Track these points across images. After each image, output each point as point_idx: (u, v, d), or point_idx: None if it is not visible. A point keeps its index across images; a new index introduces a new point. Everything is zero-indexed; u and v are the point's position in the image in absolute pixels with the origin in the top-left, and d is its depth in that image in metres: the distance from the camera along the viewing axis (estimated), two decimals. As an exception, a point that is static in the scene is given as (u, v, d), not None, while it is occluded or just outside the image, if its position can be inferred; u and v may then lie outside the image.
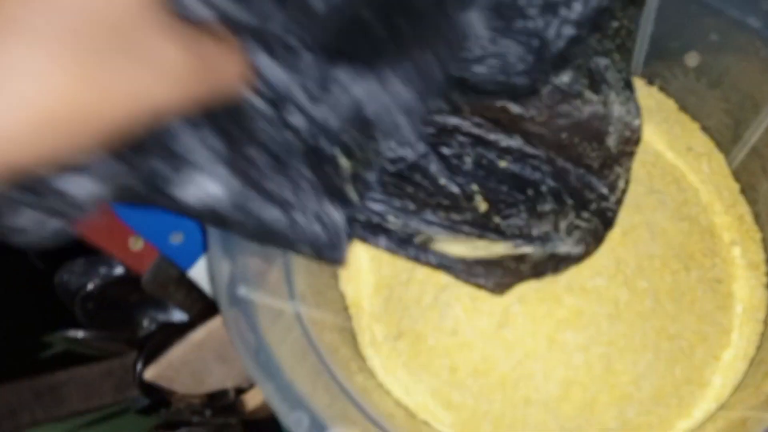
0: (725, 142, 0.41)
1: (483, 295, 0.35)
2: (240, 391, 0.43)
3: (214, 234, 0.30)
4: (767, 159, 0.38)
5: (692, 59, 0.40)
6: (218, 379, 0.40)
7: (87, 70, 0.15)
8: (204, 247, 0.32)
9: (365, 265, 0.40)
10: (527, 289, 0.34)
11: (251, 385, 0.44)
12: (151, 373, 0.34)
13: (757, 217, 0.39)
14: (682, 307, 0.36)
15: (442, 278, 0.37)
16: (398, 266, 0.39)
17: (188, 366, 0.36)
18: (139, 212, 0.36)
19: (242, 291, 0.30)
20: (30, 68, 0.14)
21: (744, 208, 0.40)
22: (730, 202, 0.40)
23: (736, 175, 0.40)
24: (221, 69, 0.19)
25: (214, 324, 0.35)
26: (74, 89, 0.15)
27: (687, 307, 0.36)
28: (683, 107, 0.42)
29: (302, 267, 0.37)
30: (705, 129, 0.41)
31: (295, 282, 0.35)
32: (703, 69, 0.39)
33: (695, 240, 0.37)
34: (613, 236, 0.36)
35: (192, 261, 0.39)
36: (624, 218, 0.36)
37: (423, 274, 0.37)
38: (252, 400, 0.43)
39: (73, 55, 0.15)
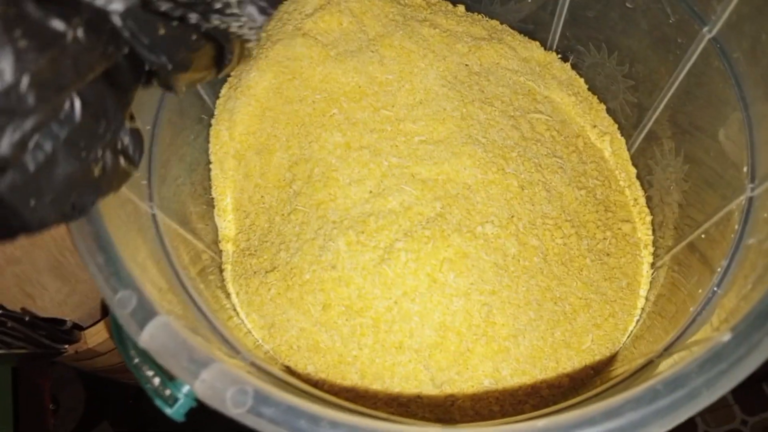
0: (628, 127, 0.41)
1: (370, 230, 0.32)
2: (80, 328, 0.38)
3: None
4: (664, 144, 0.38)
5: (615, 31, 0.39)
6: (54, 301, 0.34)
7: None
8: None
9: (247, 195, 0.36)
10: (415, 225, 0.32)
11: (93, 324, 0.38)
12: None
13: (649, 201, 0.39)
14: (570, 271, 0.34)
15: (330, 211, 0.34)
16: (282, 196, 0.35)
17: (13, 267, 0.30)
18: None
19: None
20: None
21: (638, 192, 0.40)
22: (626, 183, 0.40)
23: (635, 160, 0.41)
24: None
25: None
26: None
27: (575, 272, 0.34)
28: (592, 87, 0.42)
29: (172, 187, 0.33)
30: (610, 111, 0.42)
31: (156, 192, 0.30)
32: (617, 42, 0.39)
33: (590, 210, 0.37)
34: (511, 189, 0.34)
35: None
36: (523, 174, 0.35)
37: (308, 205, 0.34)
38: (92, 337, 0.37)
39: None
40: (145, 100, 0.32)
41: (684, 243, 0.35)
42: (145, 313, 0.22)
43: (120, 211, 0.26)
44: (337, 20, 0.36)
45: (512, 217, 0.34)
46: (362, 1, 0.37)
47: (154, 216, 0.29)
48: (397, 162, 0.34)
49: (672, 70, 0.35)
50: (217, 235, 0.36)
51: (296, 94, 0.35)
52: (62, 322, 0.36)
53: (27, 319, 0.30)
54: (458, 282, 0.31)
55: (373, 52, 0.36)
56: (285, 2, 0.38)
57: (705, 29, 0.32)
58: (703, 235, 0.33)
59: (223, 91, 0.37)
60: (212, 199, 0.37)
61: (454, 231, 0.32)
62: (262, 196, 0.36)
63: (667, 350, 0.26)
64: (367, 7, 0.37)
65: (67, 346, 0.34)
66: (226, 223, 0.36)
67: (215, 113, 0.37)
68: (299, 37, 0.35)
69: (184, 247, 0.32)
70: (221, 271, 0.35)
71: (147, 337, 0.21)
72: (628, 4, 0.36)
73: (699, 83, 0.33)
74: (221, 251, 0.36)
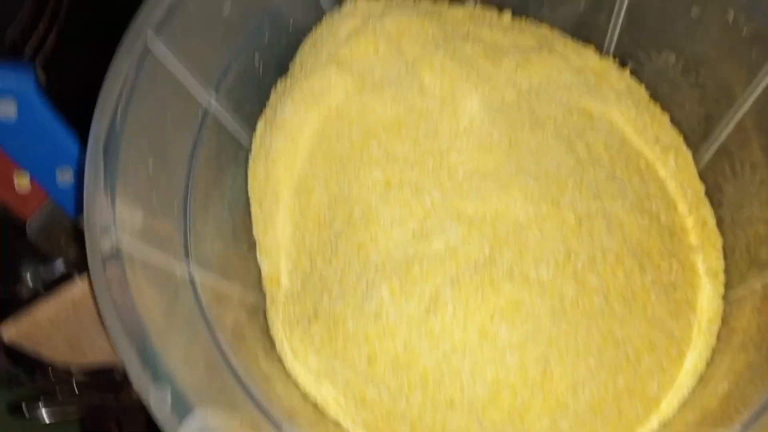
0: (695, 138, 0.37)
1: (414, 276, 0.31)
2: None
3: (92, 165, 0.25)
4: (736, 159, 0.35)
5: (678, 41, 0.36)
6: (102, 352, 0.34)
7: None
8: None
9: (288, 235, 0.35)
10: (463, 272, 0.30)
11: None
12: (11, 332, 0.29)
13: (720, 222, 0.36)
14: (633, 310, 0.32)
15: (371, 254, 0.32)
16: (323, 237, 0.34)
17: (61, 329, 0.30)
18: (22, 138, 0.30)
19: (117, 236, 0.24)
20: None
21: (707, 211, 0.36)
22: (694, 203, 0.36)
23: (703, 175, 0.37)
24: None
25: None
26: None
27: (638, 310, 0.32)
28: (654, 95, 0.38)
29: (211, 232, 0.32)
30: (675, 122, 0.38)
31: (194, 244, 0.30)
32: (681, 51, 0.35)
33: (654, 239, 0.34)
34: (568, 222, 0.32)
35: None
36: (580, 204, 0.32)
37: (349, 247, 0.32)
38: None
39: None
40: (178, 144, 0.31)
41: (762, 276, 0.32)
42: (182, 408, 0.21)
43: (157, 288, 0.25)
44: (373, 46, 0.34)
45: (569, 255, 0.31)
46: (399, 22, 0.34)
47: (191, 276, 0.28)
48: (441, 199, 0.32)
49: (746, 84, 0.32)
50: (260, 277, 0.35)
51: (332, 129, 0.34)
52: (110, 371, 0.36)
53: (74, 381, 0.30)
54: (511, 334, 0.29)
55: (412, 78, 0.34)
56: (319, 27, 0.36)
57: (787, 45, 0.28)
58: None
59: (259, 126, 0.36)
60: (254, 239, 0.36)
61: (504, 277, 0.30)
62: (303, 236, 0.34)
63: (746, 426, 0.24)
64: (404, 28, 0.34)
65: (112, 402, 0.34)
66: (269, 265, 0.35)
67: (252, 150, 0.35)
68: (333, 67, 0.33)
69: (225, 301, 0.31)
70: (265, 318, 0.34)
71: (184, 438, 0.21)
72: (692, 15, 0.32)
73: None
74: (265, 294, 0.35)
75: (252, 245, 0.36)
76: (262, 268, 0.35)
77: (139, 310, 0.23)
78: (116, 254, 0.25)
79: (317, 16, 0.36)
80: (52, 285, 0.37)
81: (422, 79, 0.34)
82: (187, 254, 0.29)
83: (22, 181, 0.34)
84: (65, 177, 0.32)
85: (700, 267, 0.35)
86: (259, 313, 0.34)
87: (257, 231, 0.36)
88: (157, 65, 0.28)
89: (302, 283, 0.34)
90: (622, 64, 0.39)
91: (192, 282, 0.28)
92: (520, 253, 0.30)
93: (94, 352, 0.34)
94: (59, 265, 0.35)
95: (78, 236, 0.37)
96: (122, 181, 0.26)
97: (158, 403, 0.21)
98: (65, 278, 0.34)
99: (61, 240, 0.37)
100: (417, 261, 0.31)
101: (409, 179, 0.33)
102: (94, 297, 0.24)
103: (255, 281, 0.35)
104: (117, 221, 0.25)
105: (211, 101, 0.32)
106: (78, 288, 0.29)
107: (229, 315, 0.31)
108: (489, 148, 0.33)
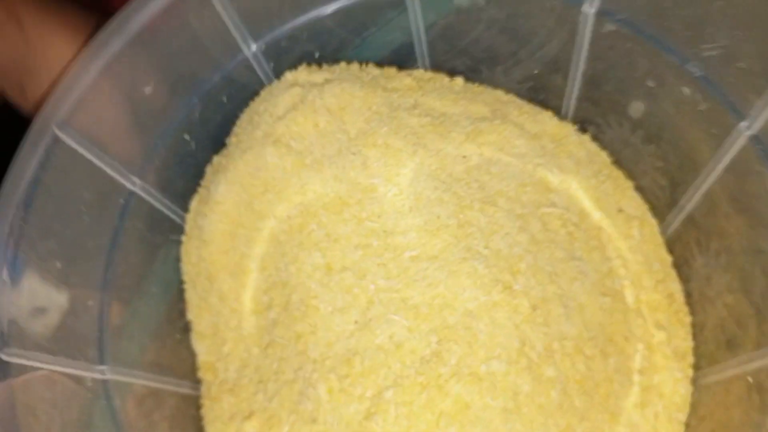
0: (660, 206, 0.35)
1: (355, 373, 0.28)
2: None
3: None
4: (703, 230, 0.33)
5: (636, 110, 0.35)
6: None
7: None
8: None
9: (224, 319, 0.32)
10: (407, 369, 0.28)
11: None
12: None
13: (688, 297, 0.34)
14: (594, 402, 0.29)
15: (309, 346, 0.29)
16: (260, 324, 0.31)
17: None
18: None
19: (13, 348, 0.22)
20: None
21: (675, 285, 0.34)
22: (660, 276, 0.34)
23: (669, 245, 0.35)
24: None
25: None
26: None
27: (599, 401, 0.29)
28: (617, 161, 0.36)
29: (140, 320, 0.30)
30: (639, 189, 0.36)
31: (114, 342, 0.27)
32: (640, 120, 0.34)
33: (617, 320, 0.32)
34: (520, 310, 0.29)
35: None
36: (534, 289, 0.30)
37: (287, 337, 0.30)
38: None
39: None
40: (95, 234, 0.28)
41: (735, 361, 0.30)
42: None
43: (55, 410, 0.22)
44: (311, 121, 0.32)
45: (523, 345, 0.29)
46: (341, 95, 0.32)
47: (105, 384, 0.26)
48: (386, 285, 0.30)
49: (711, 153, 0.30)
50: (194, 365, 0.33)
51: (269, 209, 0.31)
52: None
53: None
54: (459, 439, 0.27)
55: (354, 154, 0.32)
56: (256, 100, 0.34)
57: (742, 124, 0.26)
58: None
59: (192, 205, 0.33)
60: (189, 322, 0.33)
61: (452, 375, 0.27)
62: (239, 322, 0.32)
63: None
64: (347, 101, 0.33)
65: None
66: (204, 352, 0.33)
67: (186, 229, 0.33)
68: (270, 145, 0.31)
69: (152, 398, 0.29)
70: (196, 408, 0.32)
71: None
72: (648, 84, 0.30)
73: (741, 182, 0.28)
74: (199, 382, 0.33)
75: (186, 329, 0.33)
76: (197, 354, 0.33)
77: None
78: (7, 368, 0.22)
79: (255, 88, 0.34)
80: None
81: (365, 155, 0.32)
82: (101, 359, 0.26)
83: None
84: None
85: (667, 348, 0.32)
86: (192, 404, 0.32)
87: (192, 314, 0.33)
88: (68, 154, 0.26)
89: (238, 375, 0.31)
90: (583, 130, 0.37)
91: (106, 391, 0.26)
92: (470, 346, 0.28)
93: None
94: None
95: None
96: (25, 280, 0.24)
97: None
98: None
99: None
100: (358, 356, 0.28)
101: (351, 262, 0.30)
102: None
103: (189, 370, 0.32)
104: (14, 331, 0.23)
105: (137, 182, 0.30)
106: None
107: (157, 414, 0.29)
108: (436, 228, 0.30)
